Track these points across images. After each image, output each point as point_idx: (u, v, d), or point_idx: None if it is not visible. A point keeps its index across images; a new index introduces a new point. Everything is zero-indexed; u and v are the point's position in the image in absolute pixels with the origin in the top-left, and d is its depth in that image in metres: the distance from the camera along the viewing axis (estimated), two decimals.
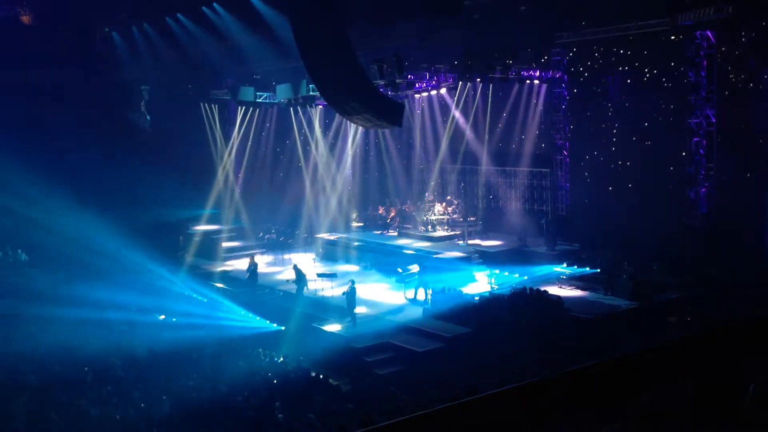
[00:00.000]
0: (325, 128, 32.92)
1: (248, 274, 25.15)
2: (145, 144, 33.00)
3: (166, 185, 31.80)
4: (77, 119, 30.88)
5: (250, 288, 25.15)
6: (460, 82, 27.06)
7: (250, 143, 34.28)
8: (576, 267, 23.55)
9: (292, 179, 33.64)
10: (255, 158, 34.85)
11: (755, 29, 20.66)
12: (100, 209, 27.98)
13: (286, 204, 33.18)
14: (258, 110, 33.34)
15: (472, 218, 28.70)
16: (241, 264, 28.01)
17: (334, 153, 32.88)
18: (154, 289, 26.65)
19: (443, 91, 27.27)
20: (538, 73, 26.59)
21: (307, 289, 23.85)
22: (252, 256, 25.98)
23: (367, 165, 33.06)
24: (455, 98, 28.50)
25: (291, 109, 32.35)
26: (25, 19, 28.62)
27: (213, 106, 33.99)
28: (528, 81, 26.54)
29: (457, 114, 29.07)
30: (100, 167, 30.14)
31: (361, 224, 31.53)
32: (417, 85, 25.90)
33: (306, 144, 33.30)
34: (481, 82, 26.91)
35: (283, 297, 24.46)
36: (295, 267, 24.03)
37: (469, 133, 29.43)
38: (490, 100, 28.33)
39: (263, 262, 29.02)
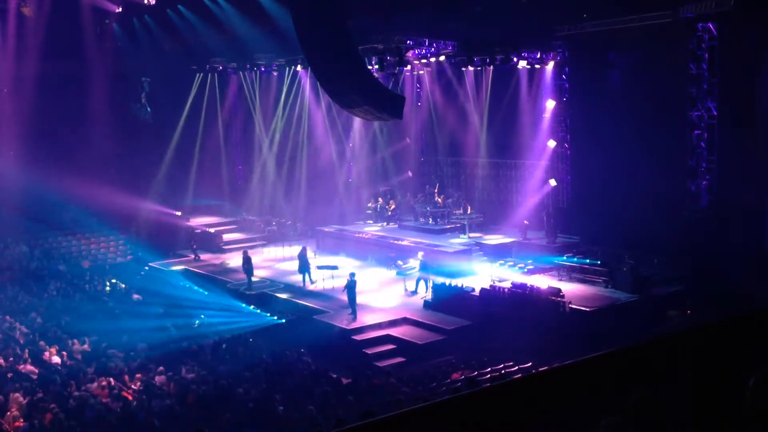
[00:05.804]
0: (327, 118, 32.83)
1: (244, 268, 25.15)
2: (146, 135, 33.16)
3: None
4: (78, 112, 30.99)
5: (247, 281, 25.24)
6: (465, 68, 27.23)
7: (258, 129, 34.30)
8: (576, 260, 23.56)
9: (293, 171, 33.60)
10: (254, 150, 34.87)
11: (757, 21, 20.58)
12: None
13: (286, 196, 33.21)
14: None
15: (472, 211, 28.67)
16: (236, 258, 27.87)
17: (335, 145, 32.90)
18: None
19: (442, 58, 27.14)
20: (538, 65, 26.58)
21: (311, 277, 24.03)
22: (245, 250, 26.00)
23: (367, 157, 32.98)
24: (454, 84, 28.62)
25: (292, 101, 32.47)
26: (26, 11, 28.52)
27: (212, 76, 34.03)
28: (528, 67, 26.58)
29: (468, 103, 29.02)
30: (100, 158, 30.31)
31: (363, 216, 31.56)
32: (415, 51, 25.94)
33: (306, 137, 33.26)
34: (481, 68, 27.04)
35: (284, 289, 24.53)
36: (301, 252, 24.28)
37: (469, 124, 29.40)
38: (489, 91, 28.32)
39: (265, 255, 29.10)
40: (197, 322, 21.49)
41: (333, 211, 31.61)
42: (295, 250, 26.77)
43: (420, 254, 23.86)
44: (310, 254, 25.69)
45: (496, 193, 29.83)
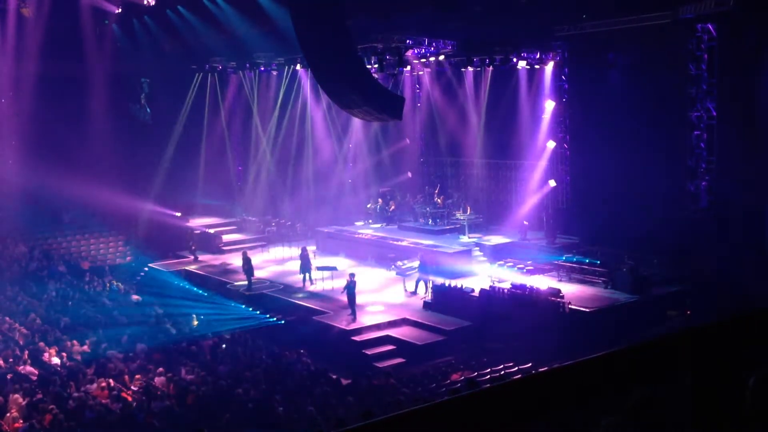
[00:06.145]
0: (327, 117, 32.78)
1: (244, 269, 25.13)
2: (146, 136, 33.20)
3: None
4: (78, 113, 30.96)
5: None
6: (464, 69, 27.27)
7: (257, 130, 34.25)
8: (575, 258, 23.55)
9: (293, 172, 33.56)
10: (254, 150, 34.83)
11: (756, 22, 20.59)
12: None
13: (286, 196, 33.18)
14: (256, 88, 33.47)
15: (471, 212, 28.64)
16: (236, 258, 27.82)
17: (335, 145, 32.90)
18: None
19: (442, 58, 27.12)
20: (538, 66, 26.57)
21: (311, 277, 24.04)
22: (245, 251, 25.99)
23: (367, 157, 32.95)
24: (454, 84, 28.65)
25: (292, 101, 32.52)
26: (26, 12, 28.53)
27: (212, 75, 34.01)
28: (528, 68, 26.57)
29: (468, 104, 29.02)
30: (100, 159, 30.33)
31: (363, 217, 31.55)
32: (415, 51, 25.94)
33: (305, 137, 33.23)
34: (480, 68, 27.05)
35: (284, 290, 24.54)
36: (302, 252, 24.42)
37: (469, 125, 29.39)
38: (489, 92, 28.31)
39: (264, 256, 29.08)
40: (196, 322, 21.49)
41: (333, 212, 31.58)
42: (295, 251, 26.79)
43: (419, 255, 23.88)
44: (310, 255, 25.70)
45: (495, 194, 29.81)
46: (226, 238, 32.03)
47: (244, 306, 23.79)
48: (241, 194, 35.46)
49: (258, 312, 23.15)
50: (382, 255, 26.51)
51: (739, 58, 21.00)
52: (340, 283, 22.29)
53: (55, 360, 17.72)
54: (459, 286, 21.72)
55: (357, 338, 20.03)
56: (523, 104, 27.44)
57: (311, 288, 24.20)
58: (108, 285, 26.20)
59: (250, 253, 26.02)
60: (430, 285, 22.31)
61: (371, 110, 19.23)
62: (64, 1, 29.09)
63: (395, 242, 27.16)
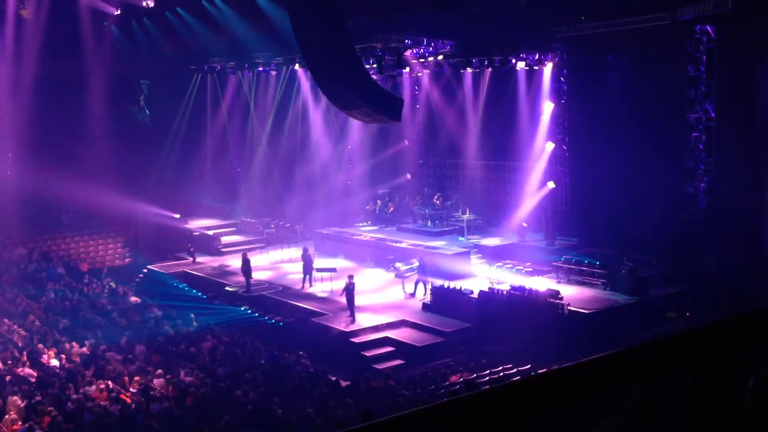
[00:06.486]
0: (325, 119, 32.76)
1: (243, 270, 25.10)
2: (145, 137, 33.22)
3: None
4: (77, 114, 30.95)
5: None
6: (463, 70, 27.28)
7: (256, 130, 34.21)
8: (575, 258, 23.54)
9: (291, 173, 33.52)
10: (252, 152, 34.80)
11: (755, 23, 20.61)
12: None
13: (285, 198, 33.15)
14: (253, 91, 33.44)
15: (470, 213, 28.62)
16: (235, 260, 27.81)
17: (334, 146, 32.88)
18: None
19: (440, 58, 27.12)
20: (537, 67, 26.56)
21: (312, 279, 24.04)
22: (244, 253, 25.96)
23: (366, 159, 32.92)
24: (453, 86, 28.68)
25: (290, 102, 32.50)
26: (25, 13, 28.53)
27: (211, 76, 34.00)
28: (527, 69, 26.56)
29: (467, 105, 29.01)
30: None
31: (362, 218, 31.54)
32: (414, 51, 25.94)
33: (304, 138, 33.21)
34: (479, 70, 27.06)
35: (283, 291, 24.52)
36: (304, 253, 24.44)
37: (468, 126, 29.37)
38: (487, 93, 28.27)
39: (264, 257, 29.05)
40: (195, 323, 21.49)
41: (331, 213, 31.55)
42: (294, 252, 26.74)
43: (418, 256, 23.87)
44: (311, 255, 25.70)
45: (494, 195, 29.76)
46: (224, 239, 32.00)
47: (243, 308, 23.76)
48: (240, 195, 35.42)
49: (257, 314, 23.13)
50: (381, 256, 26.49)
51: (738, 59, 21.02)
52: (340, 284, 22.28)
53: (54, 362, 17.69)
54: (458, 287, 21.71)
55: (356, 340, 20.03)
56: (522, 105, 27.41)
57: (310, 290, 24.21)
58: (107, 287, 26.18)
59: (249, 255, 25.99)
60: (429, 287, 22.30)
61: (370, 111, 19.21)
62: (63, 2, 29.07)
63: (394, 244, 27.13)
